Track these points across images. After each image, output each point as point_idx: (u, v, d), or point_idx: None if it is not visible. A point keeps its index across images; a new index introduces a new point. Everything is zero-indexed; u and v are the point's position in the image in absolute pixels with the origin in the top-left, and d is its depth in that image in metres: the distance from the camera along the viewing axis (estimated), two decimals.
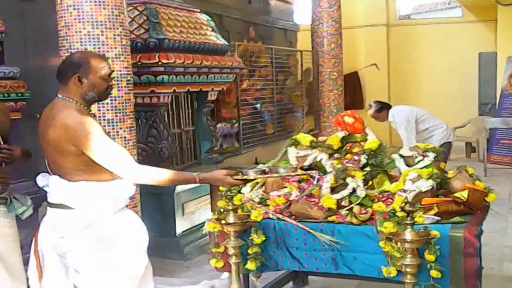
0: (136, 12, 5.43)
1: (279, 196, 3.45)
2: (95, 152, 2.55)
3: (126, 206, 2.83)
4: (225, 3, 8.20)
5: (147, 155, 5.46)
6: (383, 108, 6.39)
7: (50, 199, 2.69)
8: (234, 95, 7.99)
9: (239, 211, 3.24)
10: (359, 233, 3.06)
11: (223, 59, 6.21)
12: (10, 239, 3.08)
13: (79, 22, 4.16)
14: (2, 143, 3.03)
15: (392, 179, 3.50)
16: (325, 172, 3.55)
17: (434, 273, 2.77)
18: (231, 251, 3.11)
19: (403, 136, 6.20)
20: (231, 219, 3.06)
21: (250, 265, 3.23)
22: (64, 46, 4.26)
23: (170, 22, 5.59)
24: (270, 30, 9.82)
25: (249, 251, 3.22)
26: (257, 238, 3.18)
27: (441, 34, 12.68)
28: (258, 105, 8.86)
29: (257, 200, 3.47)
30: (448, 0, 13.64)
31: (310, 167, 3.60)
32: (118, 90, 4.31)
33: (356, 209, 3.14)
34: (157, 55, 5.24)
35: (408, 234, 2.68)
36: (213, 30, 6.32)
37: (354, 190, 3.29)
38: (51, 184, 2.67)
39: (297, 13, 11.40)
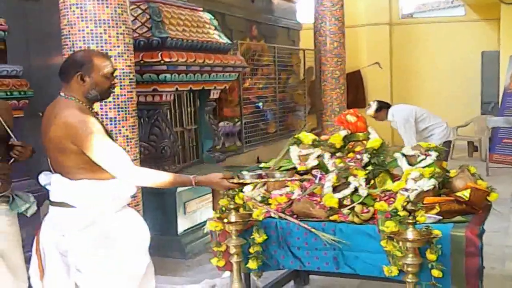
0: (139, 11, 5.43)
1: (281, 195, 3.45)
2: (94, 152, 2.55)
3: (128, 204, 2.83)
4: (228, 2, 8.20)
5: (149, 153, 5.47)
6: (382, 107, 6.37)
7: (52, 198, 2.69)
8: (237, 94, 7.99)
9: (241, 210, 3.24)
10: (360, 232, 3.06)
11: (225, 58, 6.21)
12: (12, 237, 3.09)
13: (82, 20, 4.17)
14: (15, 140, 3.02)
15: (394, 178, 3.50)
16: (327, 171, 3.56)
17: (435, 272, 2.77)
18: (232, 250, 3.12)
19: (404, 135, 6.19)
20: (232, 218, 3.06)
21: (252, 264, 3.23)
22: (67, 45, 4.26)
23: (173, 20, 5.60)
24: (272, 28, 9.81)
25: (251, 250, 3.22)
26: (258, 237, 3.18)
27: (444, 33, 12.66)
28: (261, 104, 8.86)
29: (259, 199, 3.47)
30: None
31: (306, 172, 3.61)
32: (121, 89, 4.31)
33: (358, 208, 3.14)
34: (159, 54, 5.24)
35: (410, 233, 2.68)
36: (215, 28, 6.33)
37: (356, 189, 3.29)
38: (53, 182, 2.67)
39: (300, 11, 11.40)
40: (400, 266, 2.81)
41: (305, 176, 3.51)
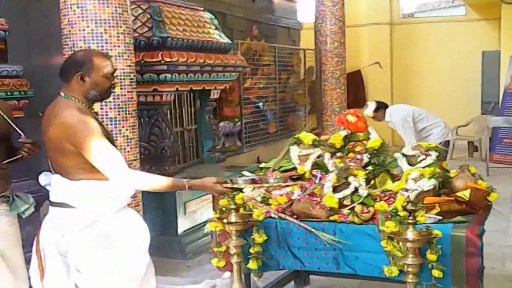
0: (140, 10, 5.43)
1: (281, 195, 3.45)
2: (91, 154, 2.55)
3: (128, 205, 2.83)
4: (228, 2, 8.19)
5: (150, 153, 5.47)
6: (380, 107, 6.35)
7: (51, 198, 2.69)
8: (237, 94, 7.98)
9: (241, 210, 3.24)
10: (361, 232, 3.06)
11: (226, 58, 6.21)
12: (12, 237, 3.09)
13: (83, 20, 4.17)
14: (24, 136, 3.00)
15: (394, 178, 3.51)
16: (327, 171, 3.55)
17: (435, 272, 2.77)
18: (232, 250, 3.12)
19: (404, 135, 6.19)
20: (233, 218, 3.06)
21: (252, 265, 3.23)
22: (67, 44, 4.27)
23: (173, 20, 5.60)
24: (273, 28, 9.81)
25: (251, 251, 3.22)
26: (258, 238, 3.18)
27: (445, 32, 12.65)
28: (261, 104, 8.86)
29: (259, 199, 3.47)
30: None
31: (299, 178, 3.60)
32: (121, 89, 4.31)
33: (358, 208, 3.14)
34: (160, 54, 5.24)
35: (410, 234, 2.68)
36: (216, 28, 6.33)
37: (356, 189, 3.29)
38: (53, 183, 2.68)
39: (301, 11, 11.38)
40: (401, 266, 2.81)
41: (298, 182, 3.50)
